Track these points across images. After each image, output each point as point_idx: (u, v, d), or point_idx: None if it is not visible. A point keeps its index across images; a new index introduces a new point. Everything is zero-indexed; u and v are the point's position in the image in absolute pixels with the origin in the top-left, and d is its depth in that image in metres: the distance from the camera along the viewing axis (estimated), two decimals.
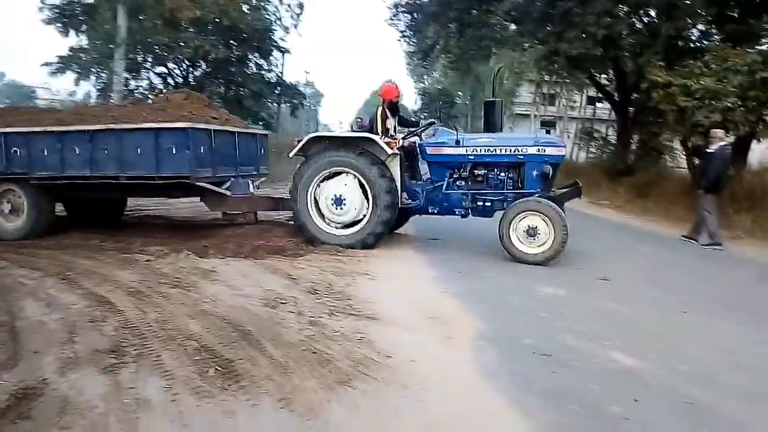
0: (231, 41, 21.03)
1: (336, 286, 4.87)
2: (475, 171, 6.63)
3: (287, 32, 24.06)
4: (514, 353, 3.52)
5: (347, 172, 6.48)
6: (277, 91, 24.15)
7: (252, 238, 6.78)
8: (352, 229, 6.53)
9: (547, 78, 22.65)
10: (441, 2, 17.74)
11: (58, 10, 19.69)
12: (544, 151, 6.35)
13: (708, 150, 8.37)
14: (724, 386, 3.12)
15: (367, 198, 6.44)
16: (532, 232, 5.96)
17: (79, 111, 7.55)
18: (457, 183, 6.71)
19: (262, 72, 23.68)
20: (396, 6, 19.46)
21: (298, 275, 5.20)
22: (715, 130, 8.99)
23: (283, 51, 23.80)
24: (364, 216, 6.47)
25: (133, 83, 21.62)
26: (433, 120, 7.66)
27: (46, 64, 20.67)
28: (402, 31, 20.85)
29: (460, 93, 40.35)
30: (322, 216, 6.64)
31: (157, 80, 22.54)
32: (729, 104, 11.03)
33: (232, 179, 7.71)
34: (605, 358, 3.48)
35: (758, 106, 11.31)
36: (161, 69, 22.35)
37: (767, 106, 11.49)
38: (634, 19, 14.49)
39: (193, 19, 18.05)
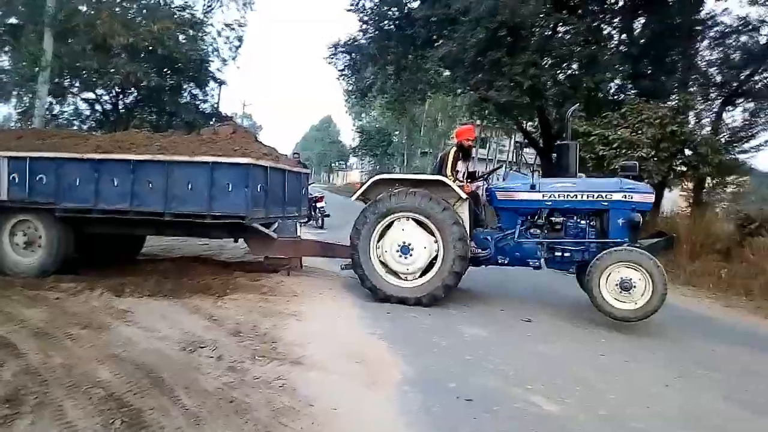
0: (165, 69, 20.57)
1: (261, 328, 4.71)
2: (552, 218, 6.14)
3: (225, 64, 23.87)
4: (438, 398, 3.50)
5: (408, 217, 6.02)
6: (212, 122, 23.71)
7: (174, 274, 6.48)
8: (421, 281, 5.99)
9: (479, 122, 23.57)
10: (379, 46, 18.26)
11: None
12: (631, 197, 5.86)
13: None
14: (632, 428, 3.21)
15: (435, 244, 5.95)
16: (626, 286, 5.36)
17: (117, 138, 6.82)
18: (531, 231, 6.21)
19: (197, 102, 23.24)
20: (335, 46, 19.81)
21: (221, 316, 5.00)
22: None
23: (220, 82, 23.51)
24: (433, 264, 5.97)
25: (57, 108, 20.62)
26: (502, 164, 7.39)
27: None
28: (341, 71, 21.21)
29: (397, 132, 41.23)
30: (385, 266, 6.10)
31: (83, 106, 21.60)
32: (643, 154, 11.89)
33: (279, 221, 7.23)
34: (527, 401, 3.53)
35: (669, 156, 12.26)
36: (89, 94, 21.46)
37: (677, 156, 12.48)
38: (557, 71, 15.45)
39: (125, 46, 17.55)
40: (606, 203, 5.91)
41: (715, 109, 14.69)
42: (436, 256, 5.94)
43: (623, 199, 5.86)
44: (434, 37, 18.01)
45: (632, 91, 14.65)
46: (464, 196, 6.06)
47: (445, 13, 15.33)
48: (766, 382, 4.32)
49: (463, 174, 6.66)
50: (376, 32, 19.15)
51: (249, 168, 5.98)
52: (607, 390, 3.85)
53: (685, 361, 4.67)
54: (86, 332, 4.38)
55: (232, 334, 4.52)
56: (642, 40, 15.09)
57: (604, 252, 5.53)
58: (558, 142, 8.11)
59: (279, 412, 3.11)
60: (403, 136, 39.33)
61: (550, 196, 6.06)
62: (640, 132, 12.19)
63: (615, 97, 15.51)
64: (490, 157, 31.58)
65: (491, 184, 6.56)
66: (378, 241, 6.09)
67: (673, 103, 13.54)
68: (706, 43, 14.76)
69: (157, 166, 6.11)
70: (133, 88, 20.67)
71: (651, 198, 6.08)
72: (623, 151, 11.87)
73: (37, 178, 6.30)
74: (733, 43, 14.30)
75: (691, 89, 14.36)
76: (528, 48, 14.32)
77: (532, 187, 6.12)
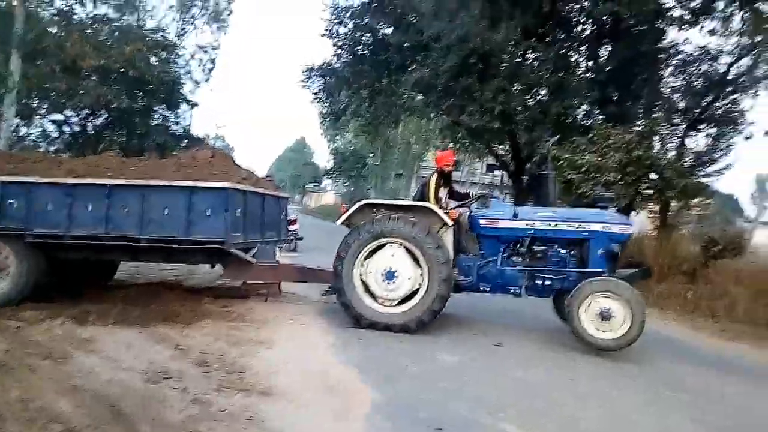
0: (136, 91, 20.39)
1: (228, 357, 4.61)
2: (534, 247, 6.20)
3: (197, 86, 23.80)
4: (408, 427, 3.46)
5: (394, 243, 6.00)
6: (183, 144, 23.51)
7: (141, 301, 6.31)
8: (405, 306, 5.96)
9: (451, 145, 23.87)
10: (353, 70, 18.43)
11: None
12: (610, 228, 6.00)
13: None
14: None
15: (420, 271, 5.94)
16: (606, 315, 5.43)
17: (90, 162, 6.67)
18: (513, 259, 6.27)
19: (168, 124, 23.05)
20: (310, 70, 19.92)
21: (188, 345, 4.88)
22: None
23: (192, 104, 23.41)
24: (417, 290, 5.95)
25: (24, 129, 20.21)
26: (486, 192, 7.36)
27: None
28: (315, 94, 21.31)
29: (371, 154, 41.45)
30: (370, 293, 6.06)
31: (51, 127, 21.21)
32: (610, 178, 12.16)
33: (259, 246, 7.08)
34: (498, 430, 3.51)
35: (635, 180, 12.56)
36: (57, 116, 21.10)
37: (643, 180, 12.81)
38: (527, 97, 15.79)
39: (96, 67, 17.37)
40: (586, 233, 6.03)
41: (679, 134, 15.16)
42: (418, 289, 5.94)
43: (603, 229, 5.99)
44: (407, 62, 18.28)
45: (599, 117, 15.03)
46: (450, 222, 6.09)
47: (417, 40, 15.60)
48: (731, 404, 4.40)
49: (446, 198, 6.74)
50: (350, 57, 19.34)
51: (228, 192, 5.91)
52: (577, 414, 3.87)
53: (656, 384, 4.73)
54: (46, 363, 4.21)
55: (199, 364, 4.41)
56: (608, 68, 15.53)
57: (584, 282, 5.60)
58: (538, 172, 8.20)
59: None
60: (377, 159, 39.56)
61: (532, 225, 6.14)
62: (607, 156, 12.48)
63: (583, 122, 15.91)
64: (462, 179, 31.95)
65: (474, 211, 6.60)
66: (363, 262, 6.07)
67: (639, 128, 13.95)
68: (669, 70, 15.29)
69: (133, 190, 6.00)
70: (103, 110, 20.41)
71: (630, 229, 6.23)
72: (591, 175, 12.12)
73: (8, 203, 6.13)
74: (695, 71, 14.85)
75: (656, 115, 14.82)
76: (498, 74, 14.63)
77: (515, 215, 6.22)
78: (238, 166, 7.12)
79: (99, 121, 21.50)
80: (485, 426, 3.57)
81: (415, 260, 5.97)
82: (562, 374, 4.85)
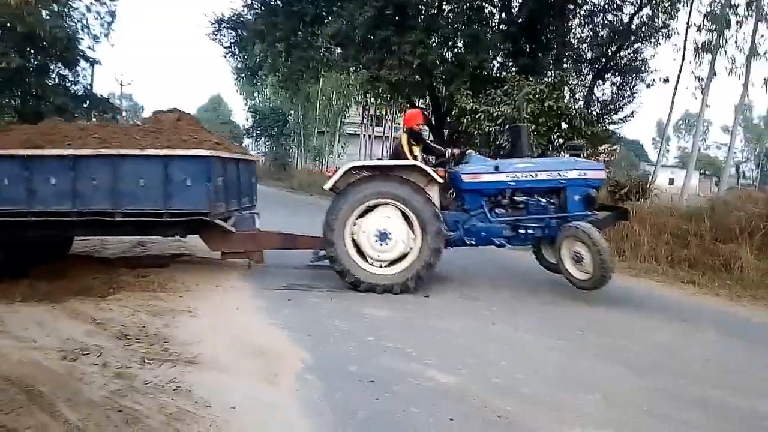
0: (28, 49, 18.54)
1: (150, 329, 4.44)
2: (515, 197, 6.33)
3: (97, 41, 21.97)
4: (340, 383, 3.52)
5: (387, 204, 5.98)
6: (85, 105, 21.81)
7: (49, 276, 5.93)
8: (401, 266, 5.98)
9: (372, 100, 23.69)
10: (266, 22, 17.63)
11: None
12: (585, 174, 6.24)
13: None
14: (528, 396, 3.44)
15: (412, 230, 5.97)
16: (576, 259, 5.77)
17: (46, 130, 5.96)
18: (495, 211, 6.36)
19: (67, 84, 21.25)
20: (219, 21, 18.87)
21: (106, 318, 4.65)
22: None
23: (92, 61, 21.63)
24: (411, 249, 5.98)
25: None
26: (468, 148, 7.13)
27: None
28: (227, 47, 20.29)
29: (292, 111, 40.34)
30: (362, 255, 6.01)
31: None
32: None
33: (236, 214, 6.67)
34: (425, 377, 3.66)
35: (548, 131, 13.09)
36: None
37: (554, 130, 13.37)
38: (444, 50, 15.86)
39: None
40: (564, 181, 6.23)
41: (586, 84, 15.89)
42: (412, 248, 5.98)
43: (578, 176, 6.21)
44: (323, 13, 17.73)
45: (513, 69, 15.41)
46: (440, 180, 6.13)
47: None
48: (643, 341, 4.73)
49: (422, 156, 6.70)
50: (262, 7, 18.49)
51: (210, 161, 5.59)
52: (498, 358, 4.09)
53: (567, 326, 5.04)
54: None
55: (118, 337, 4.23)
56: (520, 20, 15.87)
57: (561, 228, 5.97)
58: (510, 125, 8.23)
59: (173, 417, 2.97)
60: (298, 116, 38.59)
61: (513, 177, 6.26)
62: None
63: (498, 74, 16.24)
64: (386, 135, 31.91)
65: (451, 168, 6.58)
66: (354, 225, 6.02)
67: (550, 79, 14.46)
68: (577, 21, 15.83)
69: (102, 161, 5.50)
70: None
71: (602, 174, 6.51)
72: (507, 126, 12.51)
73: None
74: (601, 22, 15.47)
75: (565, 65, 15.38)
76: (416, 27, 14.55)
77: (496, 168, 6.30)
78: (206, 130, 6.71)
79: None
80: (413, 374, 3.70)
81: (406, 219, 5.98)
82: (481, 323, 5.06)
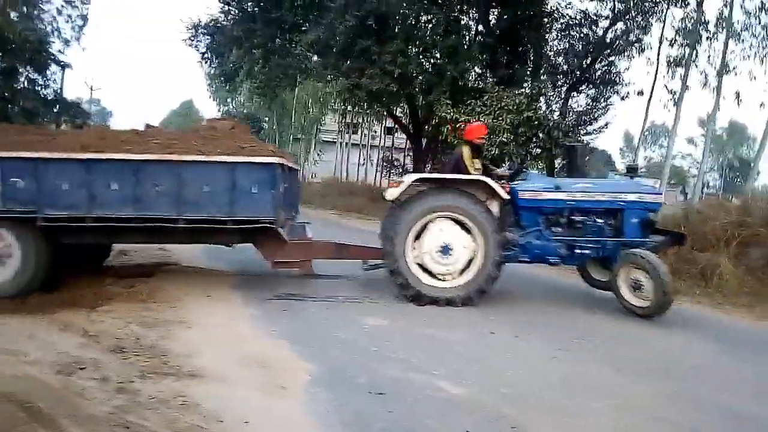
0: None
1: (146, 341, 4.31)
2: (572, 217, 6.25)
3: (68, 45, 21.48)
4: (350, 395, 3.48)
5: (440, 218, 5.95)
6: (55, 110, 21.25)
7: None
8: (464, 279, 5.94)
9: (350, 108, 23.69)
10: (243, 28, 17.51)
11: None
12: (643, 198, 6.16)
13: None
14: (538, 406, 3.46)
15: (471, 236, 5.92)
16: (635, 286, 5.68)
17: (102, 134, 5.85)
18: (552, 229, 6.29)
19: (37, 87, 20.68)
20: (195, 27, 18.65)
21: (98, 331, 4.48)
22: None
23: (63, 65, 21.10)
24: (472, 261, 5.93)
25: None
26: (525, 165, 6.98)
27: None
28: (203, 53, 20.06)
29: (267, 118, 40.02)
30: (423, 269, 5.97)
31: None
32: (504, 139, 12.79)
33: (289, 222, 6.53)
34: (434, 388, 3.65)
35: (526, 140, 13.33)
36: None
37: (533, 140, 13.61)
38: (423, 60, 16.00)
39: None
40: (622, 203, 6.17)
41: (562, 96, 16.22)
42: (472, 259, 5.96)
43: (637, 199, 6.16)
44: (301, 21, 17.70)
45: (491, 80, 15.64)
46: (506, 195, 6.08)
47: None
48: (637, 348, 4.84)
49: (481, 171, 6.60)
50: (240, 13, 18.37)
51: (275, 168, 5.54)
52: (502, 367, 4.11)
53: (564, 334, 5.10)
54: None
55: (114, 350, 4.09)
56: (498, 31, 16.13)
57: (619, 254, 5.92)
58: (570, 142, 8.13)
59: None
60: (273, 123, 38.27)
61: (572, 196, 6.22)
62: (500, 118, 13.10)
63: (476, 84, 16.46)
64: (363, 143, 31.89)
65: (509, 184, 6.49)
66: (413, 247, 5.99)
67: (527, 90, 14.72)
68: (554, 34, 16.17)
69: (166, 167, 5.41)
70: None
71: (661, 198, 6.49)
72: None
73: (10, 182, 5.29)
74: (577, 35, 15.84)
75: (543, 77, 15.68)
76: (396, 37, 14.65)
77: (557, 187, 6.28)
78: (254, 138, 6.63)
79: None
80: (422, 385, 3.69)
81: (461, 227, 5.95)
82: (481, 331, 5.08)
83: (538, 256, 6.33)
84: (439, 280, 6.02)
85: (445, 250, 5.94)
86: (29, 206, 5.35)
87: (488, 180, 6.10)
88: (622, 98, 15.76)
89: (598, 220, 6.27)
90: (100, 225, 5.51)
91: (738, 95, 13.37)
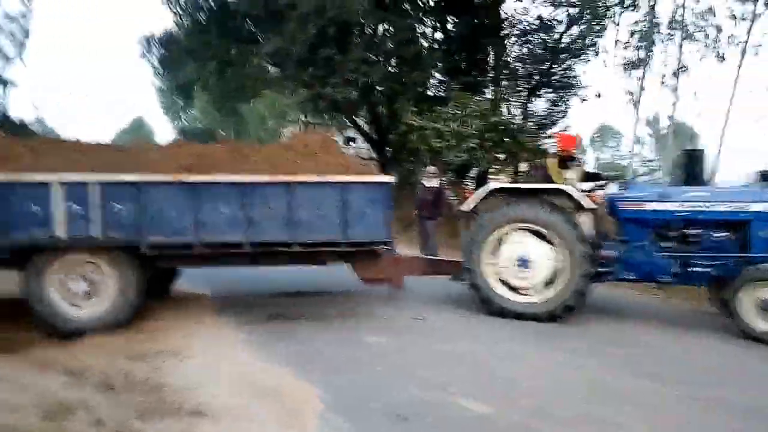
0: None
1: (137, 376, 3.99)
2: (685, 230, 5.67)
3: (9, 61, 20.45)
4: (368, 421, 3.32)
5: (518, 229, 5.73)
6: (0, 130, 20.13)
7: (4, 322, 5.19)
8: (547, 294, 5.65)
9: (311, 120, 23.41)
10: (198, 40, 17.06)
11: None
12: None
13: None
14: (564, 417, 3.38)
15: (555, 251, 5.62)
16: (764, 307, 5.03)
17: (197, 153, 5.54)
18: (661, 244, 5.73)
19: None
20: (149, 40, 18.07)
21: (81, 367, 4.12)
22: (429, 167, 9.85)
23: (6, 83, 20.07)
24: (556, 274, 5.63)
25: None
26: (621, 173, 6.52)
27: None
28: (156, 67, 19.43)
29: (223, 132, 39.12)
30: (503, 283, 5.77)
31: None
32: (473, 145, 12.84)
33: None
34: (455, 406, 3.52)
35: (494, 146, 13.42)
36: None
37: (501, 146, 13.72)
38: (387, 67, 15.95)
39: None
40: (747, 214, 5.50)
41: (523, 100, 16.48)
42: (557, 269, 5.67)
43: (766, 210, 5.44)
44: (257, 32, 17.38)
45: (454, 87, 15.72)
46: (590, 205, 5.72)
47: (270, 10, 14.85)
48: (649, 351, 4.85)
49: (576, 181, 6.28)
50: (193, 25, 17.88)
51: (389, 187, 5.38)
52: (518, 378, 4.03)
53: (570, 340, 5.06)
54: None
55: (103, 388, 3.78)
56: (457, 39, 16.25)
57: (744, 269, 5.26)
58: (688, 149, 7.67)
59: None
60: (231, 136, 37.45)
61: (683, 207, 5.68)
62: (466, 124, 13.16)
63: (439, 92, 16.53)
64: None
65: (612, 194, 6.19)
66: (492, 259, 5.82)
67: (490, 95, 14.89)
68: (512, 40, 16.41)
69: (276, 188, 5.14)
70: None
71: None
72: (455, 142, 12.71)
73: (111, 209, 4.91)
74: (534, 40, 16.12)
75: (504, 82, 15.89)
76: (358, 46, 14.55)
77: (662, 196, 5.82)
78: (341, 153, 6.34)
79: None
80: (440, 404, 3.56)
81: (541, 238, 5.72)
82: (486, 342, 4.99)
83: (645, 273, 5.86)
84: (521, 294, 5.80)
85: (524, 262, 5.71)
86: (131, 234, 5.00)
87: (566, 188, 5.79)
88: (583, 101, 16.13)
89: (717, 234, 5.66)
90: (207, 252, 5.22)
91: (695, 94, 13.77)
